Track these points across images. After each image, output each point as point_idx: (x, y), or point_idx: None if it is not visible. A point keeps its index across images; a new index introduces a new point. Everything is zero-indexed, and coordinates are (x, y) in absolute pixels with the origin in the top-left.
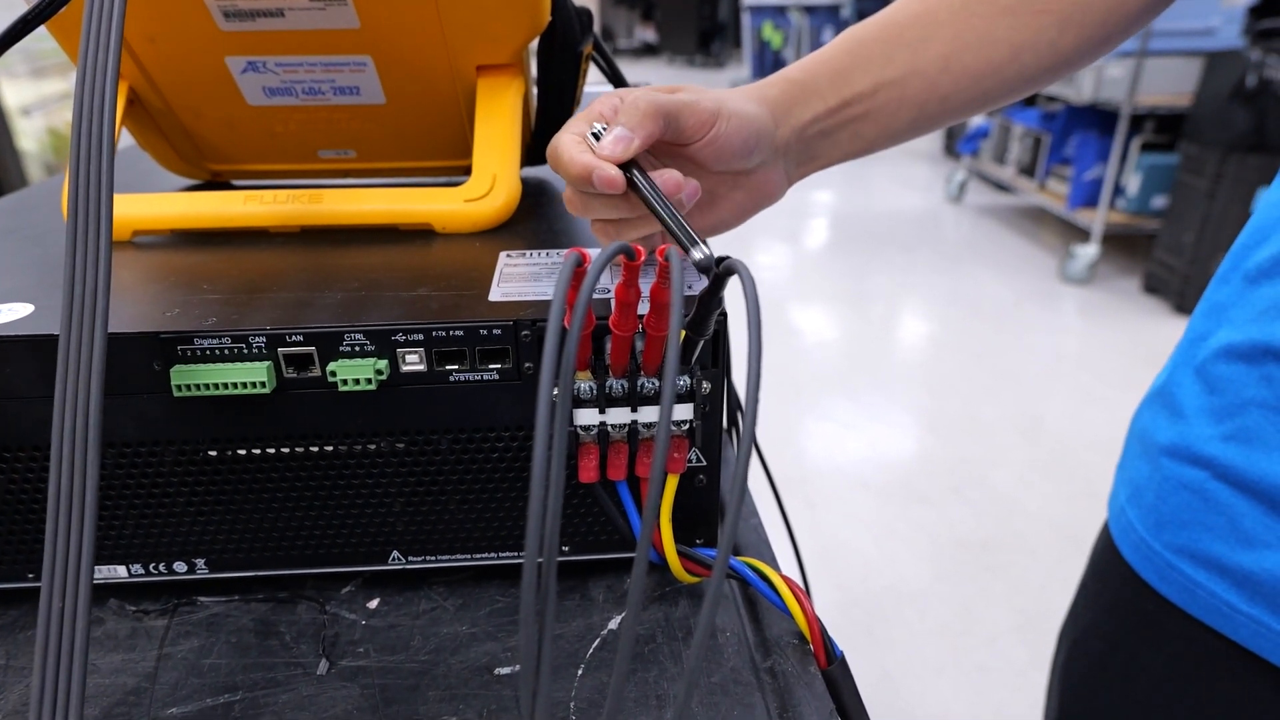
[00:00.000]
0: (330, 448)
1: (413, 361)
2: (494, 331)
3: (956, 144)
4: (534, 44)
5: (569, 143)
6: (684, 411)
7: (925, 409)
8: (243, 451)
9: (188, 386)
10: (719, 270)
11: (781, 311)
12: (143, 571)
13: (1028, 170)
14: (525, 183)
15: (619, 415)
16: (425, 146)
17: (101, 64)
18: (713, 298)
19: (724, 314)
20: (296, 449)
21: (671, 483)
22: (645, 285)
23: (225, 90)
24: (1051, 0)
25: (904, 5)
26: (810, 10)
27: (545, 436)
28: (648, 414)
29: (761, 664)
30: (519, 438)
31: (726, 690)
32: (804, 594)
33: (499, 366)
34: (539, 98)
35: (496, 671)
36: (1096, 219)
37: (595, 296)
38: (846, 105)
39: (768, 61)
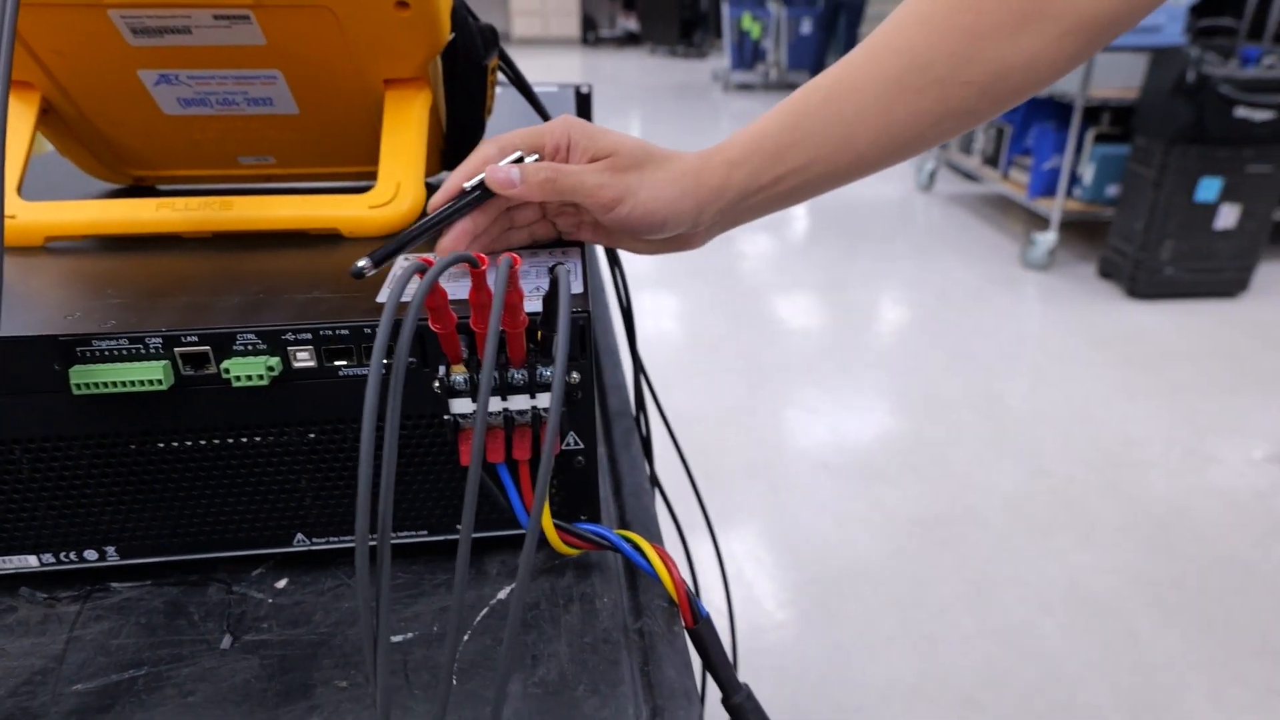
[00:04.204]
0: (230, 440)
1: (303, 358)
2: (367, 330)
3: None
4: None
5: (487, 145)
6: (546, 400)
7: (888, 391)
8: (146, 445)
9: (87, 385)
10: (553, 275)
11: (756, 299)
12: (53, 560)
13: (992, 160)
14: (435, 189)
15: (494, 404)
16: (341, 154)
17: None
18: (552, 299)
19: (586, 313)
20: (198, 441)
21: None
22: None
23: (140, 101)
24: (975, 72)
25: (841, 77)
26: (788, 1)
27: (373, 422)
28: (517, 402)
29: (632, 625)
30: (406, 426)
31: (596, 649)
32: (673, 562)
33: (384, 362)
34: (447, 109)
35: (392, 639)
36: (1054, 207)
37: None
38: (779, 180)
39: (747, 51)
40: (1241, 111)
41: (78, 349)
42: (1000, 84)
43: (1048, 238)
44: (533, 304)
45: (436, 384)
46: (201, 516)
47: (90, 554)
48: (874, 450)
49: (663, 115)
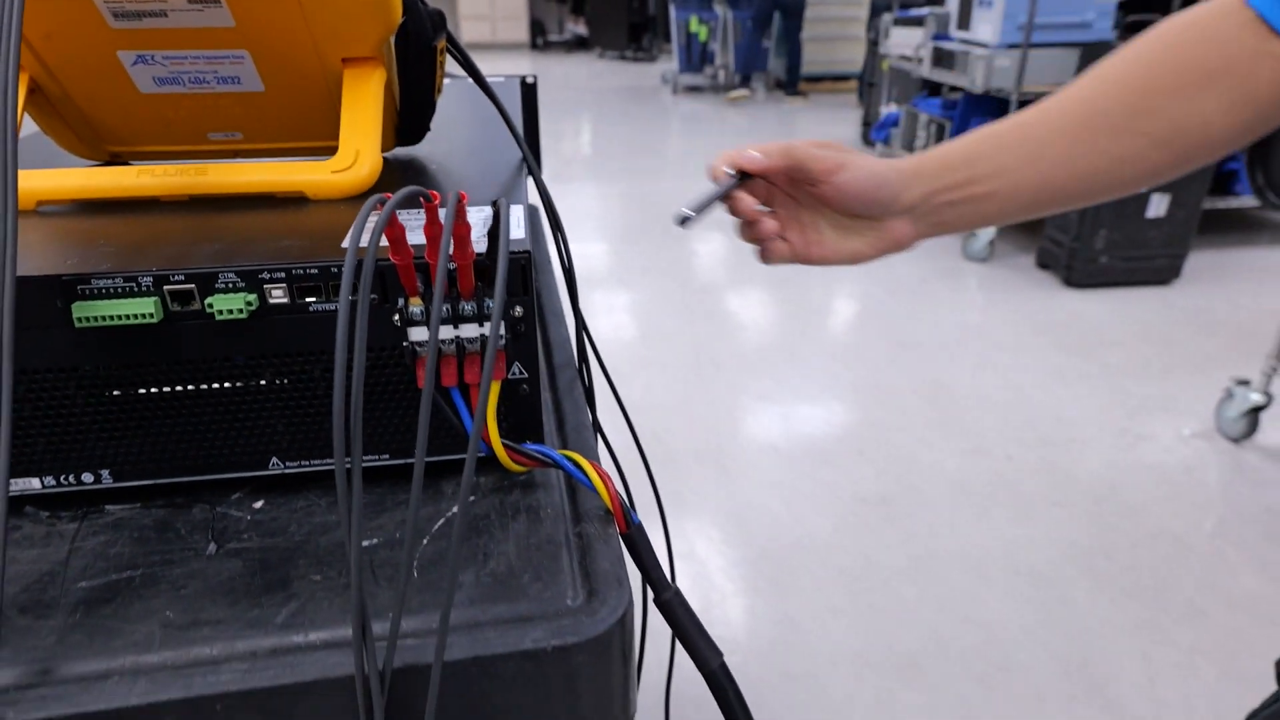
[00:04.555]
0: (213, 369)
1: (277, 295)
2: (336, 269)
3: (870, 132)
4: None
5: (735, 152)
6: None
7: (835, 379)
8: (138, 375)
9: (86, 319)
10: (494, 206)
11: (708, 294)
12: (54, 483)
13: None
14: (395, 160)
15: (447, 332)
16: (303, 129)
17: (2, 57)
18: (495, 229)
19: (527, 253)
20: (184, 371)
21: (495, 388)
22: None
23: (119, 80)
24: (1150, 125)
25: (1035, 113)
26: (734, 3)
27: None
28: (468, 330)
29: (572, 530)
30: (369, 357)
31: (540, 548)
32: (608, 477)
33: (353, 298)
34: (400, 86)
35: (362, 544)
36: None
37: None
38: (971, 183)
39: (695, 54)
40: None
41: (78, 287)
42: (1175, 141)
43: (987, 230)
44: (483, 245)
45: (396, 316)
46: (187, 441)
47: (87, 477)
48: (822, 434)
49: (614, 117)
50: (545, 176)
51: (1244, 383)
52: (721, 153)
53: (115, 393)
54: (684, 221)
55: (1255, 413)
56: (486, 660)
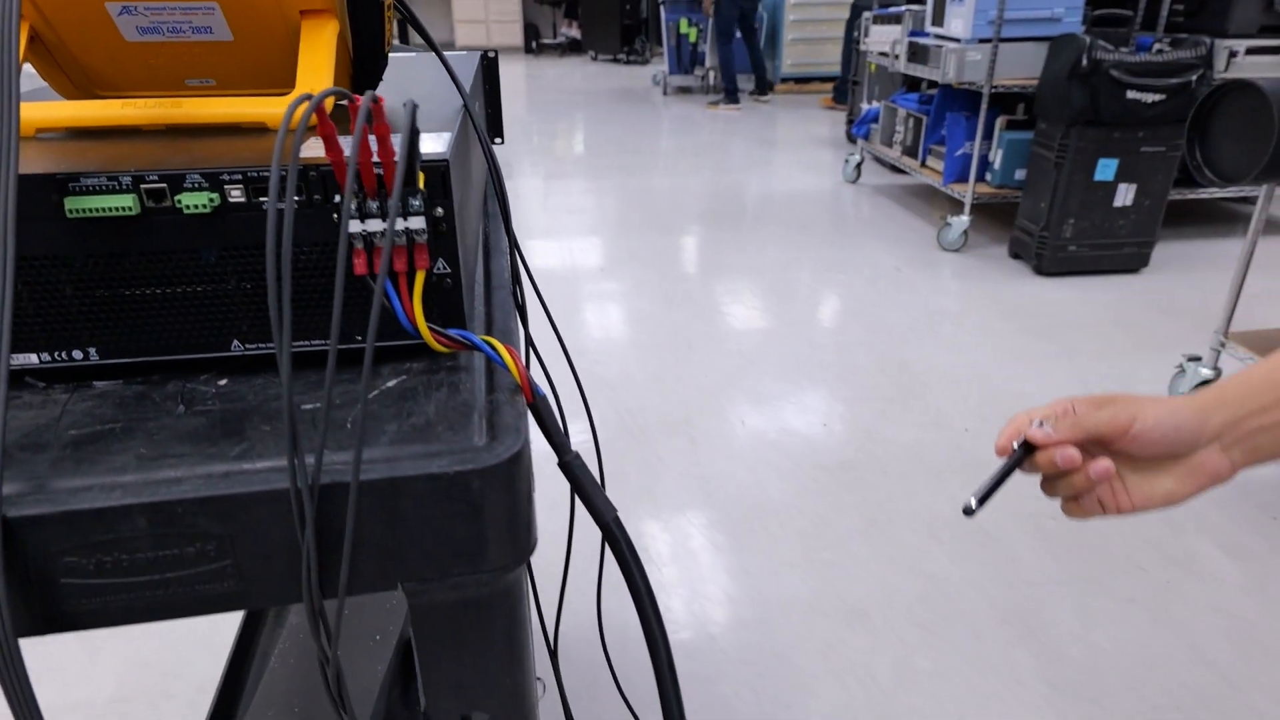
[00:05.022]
0: (183, 259)
1: (236, 195)
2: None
3: (851, 128)
4: None
5: (1018, 417)
6: (417, 222)
7: (805, 359)
8: (120, 263)
9: (77, 211)
10: (406, 106)
11: (688, 282)
12: (49, 359)
13: (911, 150)
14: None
15: (374, 225)
16: (268, 76)
17: (6, 8)
18: (411, 142)
19: (445, 160)
20: (159, 260)
21: (420, 277)
22: None
23: (107, 29)
24: None
25: None
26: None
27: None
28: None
29: (485, 398)
30: (315, 251)
31: (456, 409)
32: (519, 356)
33: (299, 198)
34: (353, 38)
35: (304, 407)
36: (967, 191)
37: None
38: (1269, 412)
39: (685, 55)
40: (1133, 94)
41: (70, 184)
42: None
43: (961, 220)
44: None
45: (335, 213)
46: (161, 324)
47: (77, 354)
48: (789, 409)
49: (605, 118)
50: (538, 174)
51: (1195, 359)
52: (1008, 424)
53: (101, 278)
54: (970, 513)
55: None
56: (400, 481)
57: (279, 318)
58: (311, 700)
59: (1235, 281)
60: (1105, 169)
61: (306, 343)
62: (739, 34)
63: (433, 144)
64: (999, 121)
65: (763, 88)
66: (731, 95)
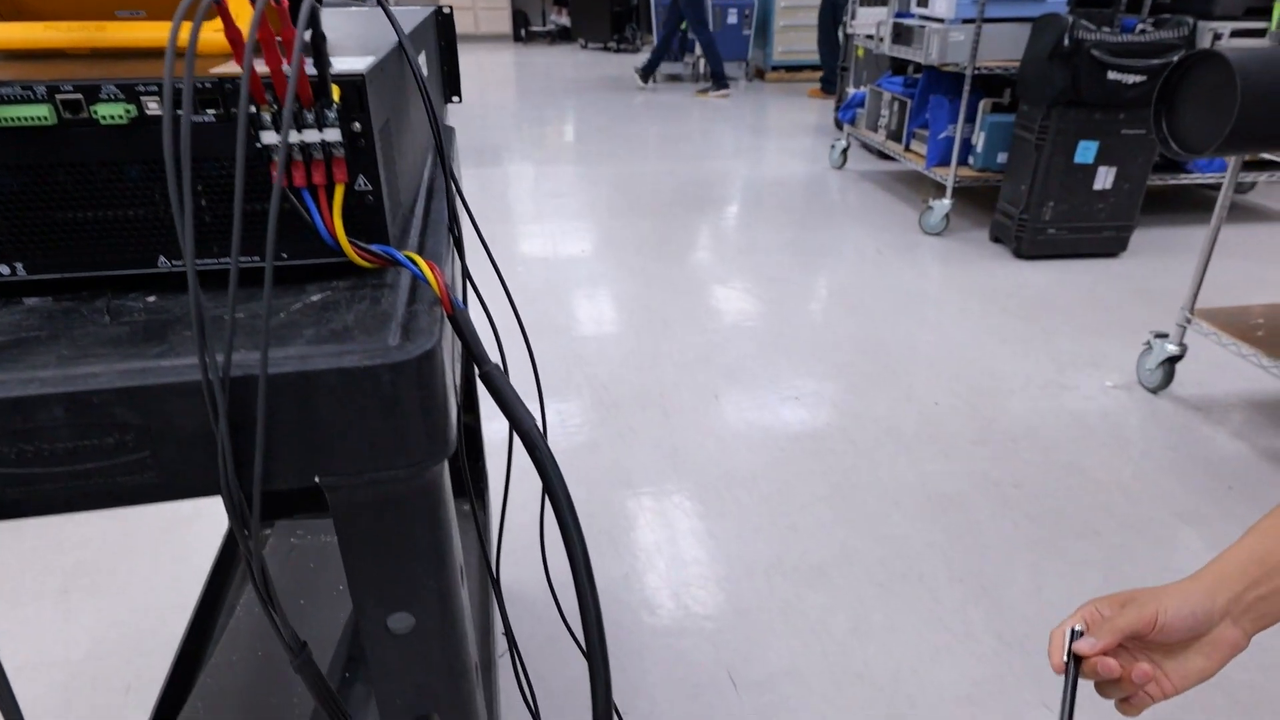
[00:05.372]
0: (104, 173)
1: (152, 107)
2: (207, 85)
3: (838, 113)
4: None
5: (1058, 633)
6: (333, 135)
7: (779, 337)
8: (40, 175)
9: None
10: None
11: (670, 262)
12: None
13: (895, 135)
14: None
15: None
16: None
17: None
18: (317, 48)
19: (361, 76)
20: (80, 174)
21: (340, 191)
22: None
23: None
24: None
25: None
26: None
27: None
28: (308, 135)
29: (406, 309)
30: (228, 165)
31: (375, 318)
32: (439, 271)
33: (214, 111)
34: None
35: (224, 316)
36: (949, 175)
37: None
38: (1272, 578)
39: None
40: (1114, 75)
41: None
42: None
43: (943, 204)
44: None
45: (254, 126)
46: (86, 238)
47: (3, 269)
48: (762, 384)
49: (595, 106)
50: (527, 160)
51: (1162, 335)
52: (1050, 641)
53: (23, 192)
54: None
55: (1171, 364)
56: (312, 375)
57: (179, 213)
58: (276, 644)
59: (1201, 258)
60: (1085, 151)
61: (216, 261)
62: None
63: (352, 63)
64: (982, 104)
65: (718, 79)
66: (720, 81)
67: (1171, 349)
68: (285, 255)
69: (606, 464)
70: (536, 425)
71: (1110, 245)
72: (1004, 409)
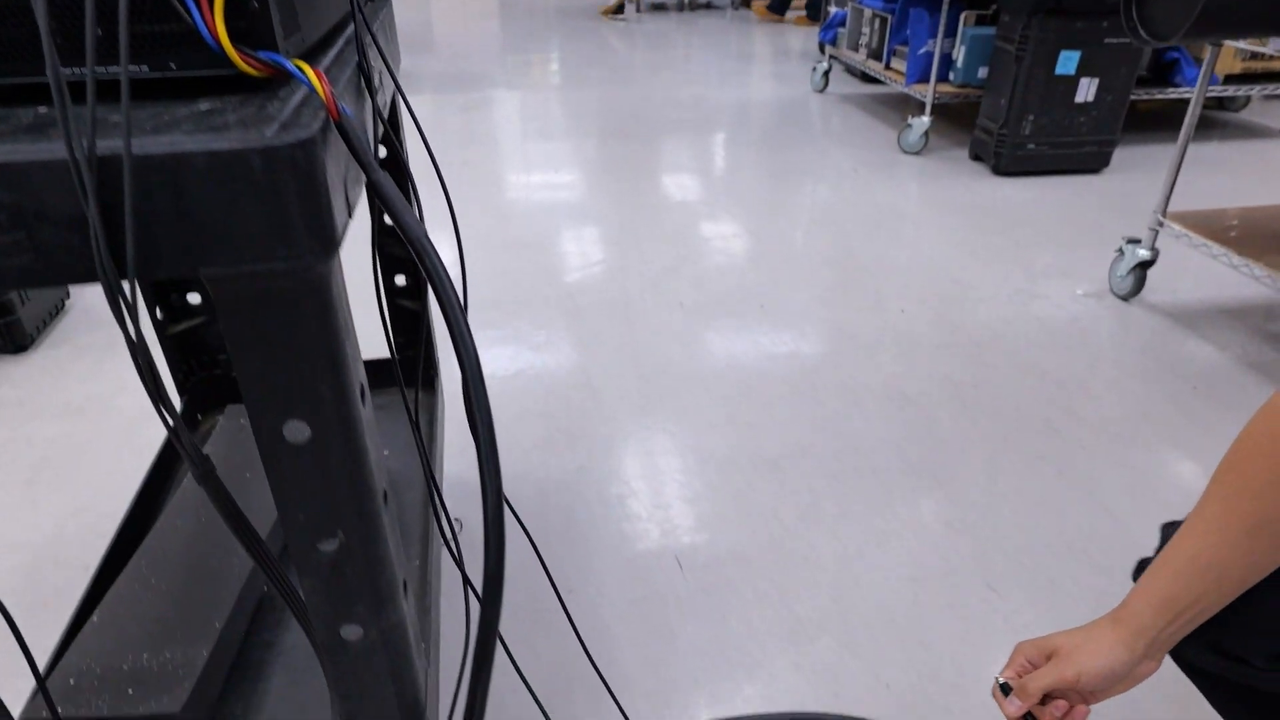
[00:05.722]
0: None
1: None
2: None
3: (819, 34)
4: None
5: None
6: None
7: (751, 250)
8: None
9: None
10: None
11: (645, 179)
12: None
13: (876, 53)
14: None
15: None
16: None
17: None
18: None
19: None
20: None
21: None
22: None
23: None
24: None
25: (1197, 542)
26: None
27: None
28: None
29: (293, 112)
30: None
31: (258, 118)
32: (326, 79)
33: None
34: None
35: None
36: (928, 91)
37: None
38: (1181, 619)
39: None
40: None
41: None
42: None
43: (922, 121)
44: None
45: None
46: None
47: None
48: (728, 294)
49: (579, 36)
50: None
51: (1134, 241)
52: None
53: None
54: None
55: (1143, 269)
56: (182, 156)
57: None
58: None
59: (1175, 158)
60: (1067, 62)
61: (105, 70)
62: None
63: None
64: (963, 16)
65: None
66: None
67: (1143, 254)
68: (173, 66)
69: (568, 366)
70: (426, 233)
71: (1092, 161)
72: (970, 316)
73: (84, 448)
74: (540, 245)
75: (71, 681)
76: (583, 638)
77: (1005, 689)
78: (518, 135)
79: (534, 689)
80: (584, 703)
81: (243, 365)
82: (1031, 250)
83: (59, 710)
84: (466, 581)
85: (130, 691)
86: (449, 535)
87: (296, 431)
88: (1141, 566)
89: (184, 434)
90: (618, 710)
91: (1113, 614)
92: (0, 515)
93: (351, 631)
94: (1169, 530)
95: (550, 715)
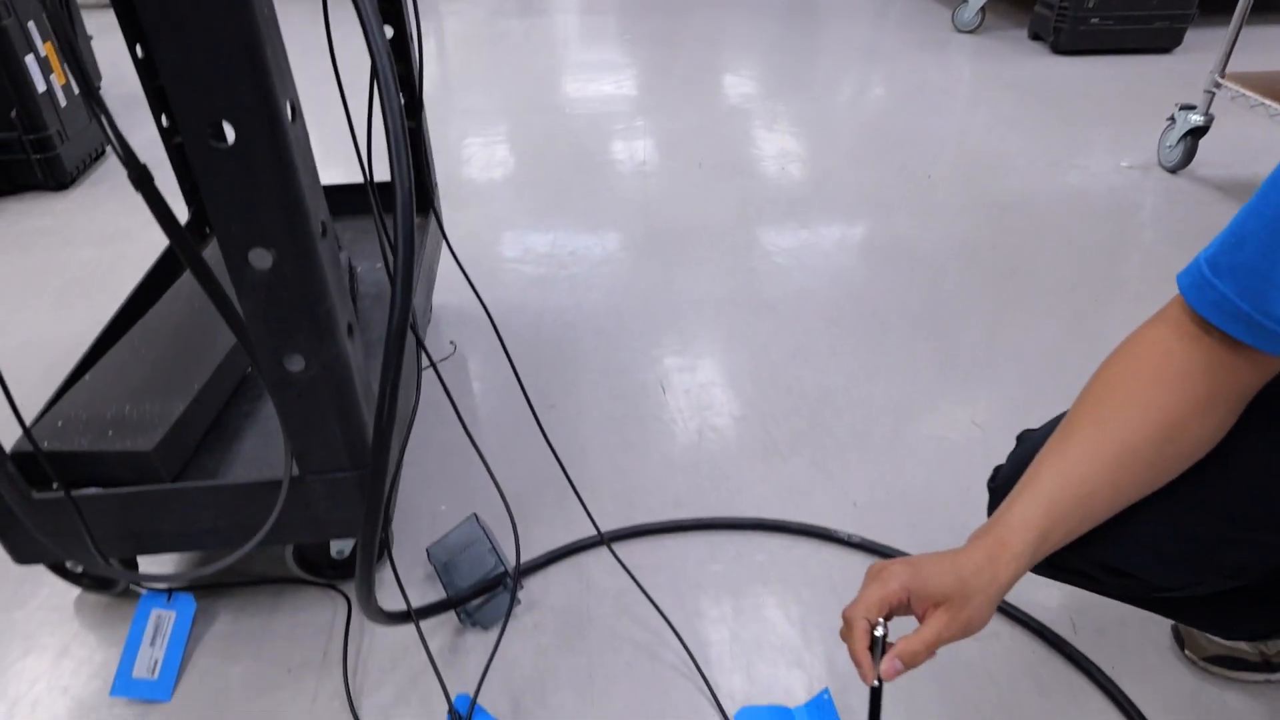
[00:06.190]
0: None
1: None
2: None
3: None
4: None
5: (860, 635)
6: None
7: (777, 117)
8: None
9: None
10: None
11: (679, 54)
12: None
13: None
14: None
15: None
16: None
17: None
18: None
19: None
20: None
21: None
22: None
23: None
24: (1173, 449)
25: (1079, 473)
26: None
27: None
28: None
29: None
30: None
31: None
32: None
33: None
34: None
35: None
36: None
37: None
38: (1049, 542)
39: None
40: None
41: None
42: (1199, 446)
43: None
44: None
45: None
46: None
47: None
48: (752, 156)
49: None
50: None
51: (1189, 107)
52: (855, 627)
53: None
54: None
55: (1194, 137)
56: None
57: None
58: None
59: (1238, 16)
60: None
61: None
62: None
63: None
64: None
65: None
66: None
67: (1195, 119)
68: None
69: (577, 213)
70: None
71: (1161, 39)
72: (1000, 184)
73: (111, 271)
74: (562, 107)
75: (59, 424)
76: (552, 443)
77: (881, 639)
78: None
79: (503, 487)
80: (552, 500)
81: (164, 60)
82: (1079, 125)
83: (44, 445)
84: (440, 378)
85: (110, 433)
86: (418, 331)
87: (225, 133)
88: (996, 474)
89: (121, 138)
90: (580, 506)
91: (988, 549)
92: (31, 324)
93: (294, 362)
94: (1026, 439)
95: (515, 507)
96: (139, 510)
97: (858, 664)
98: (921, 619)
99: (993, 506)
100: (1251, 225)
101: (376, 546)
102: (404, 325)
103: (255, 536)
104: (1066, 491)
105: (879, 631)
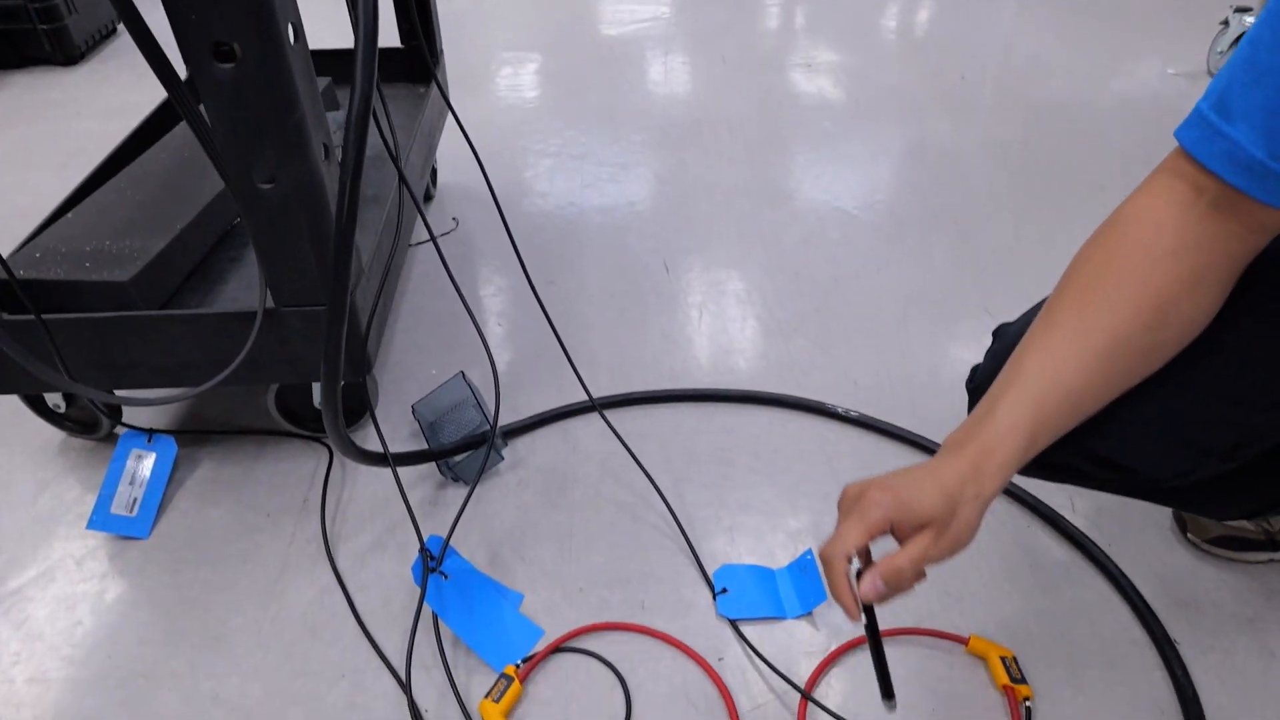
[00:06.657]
0: None
1: None
2: None
3: None
4: None
5: (842, 575)
6: None
7: (811, 18)
8: None
9: None
10: None
11: None
12: None
13: None
14: None
15: None
16: None
17: None
18: None
19: None
20: None
21: None
22: None
23: None
24: (1164, 333)
25: (1068, 367)
26: None
27: None
28: None
29: None
30: None
31: None
32: None
33: None
34: None
35: None
36: None
37: None
38: (1038, 445)
39: None
40: None
41: None
42: (1192, 324)
43: None
44: None
45: None
46: None
47: None
48: (775, 55)
49: None
50: None
51: (1244, 9)
52: (833, 567)
53: None
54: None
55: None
56: None
57: None
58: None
59: None
60: None
61: None
62: None
63: None
64: None
65: None
66: None
67: (1250, 21)
68: None
69: (595, 102)
70: None
71: None
72: (1038, 87)
73: (116, 143)
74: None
75: (37, 255)
76: (550, 315)
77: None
78: None
79: (497, 357)
80: (545, 369)
81: None
82: (1129, 33)
83: (19, 273)
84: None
85: (87, 265)
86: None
87: None
88: (974, 374)
89: None
90: (573, 374)
91: (971, 458)
92: (35, 191)
93: (262, 175)
94: (1003, 333)
95: (507, 375)
96: (113, 338)
97: (843, 605)
98: (905, 541)
99: (972, 408)
100: (1266, 59)
101: (341, 352)
102: (365, 112)
103: (232, 364)
104: (1055, 389)
105: (856, 565)
